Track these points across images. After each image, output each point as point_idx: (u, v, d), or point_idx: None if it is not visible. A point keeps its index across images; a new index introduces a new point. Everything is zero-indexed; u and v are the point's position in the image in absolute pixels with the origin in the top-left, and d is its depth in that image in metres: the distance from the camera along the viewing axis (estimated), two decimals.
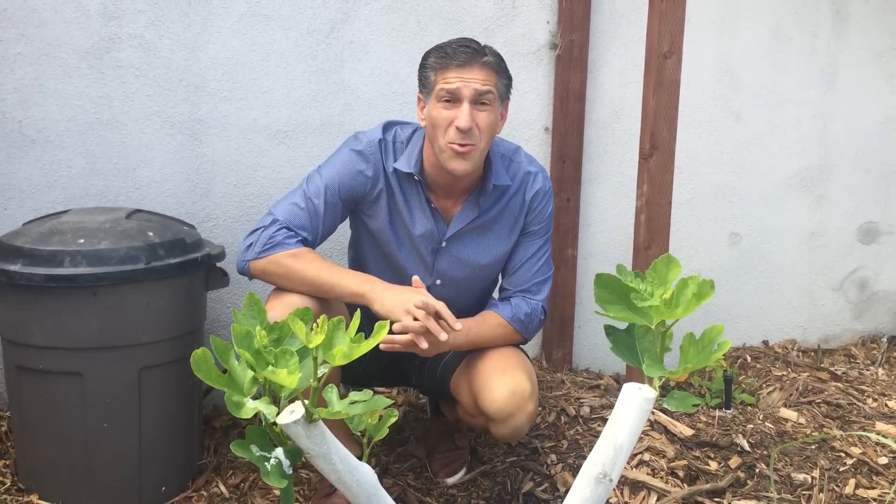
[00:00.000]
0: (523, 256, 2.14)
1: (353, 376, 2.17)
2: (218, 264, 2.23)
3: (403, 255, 2.11)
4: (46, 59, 2.40)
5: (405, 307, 1.87)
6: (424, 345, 1.87)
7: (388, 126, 2.12)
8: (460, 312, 2.00)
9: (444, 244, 2.10)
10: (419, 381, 2.31)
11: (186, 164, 2.56)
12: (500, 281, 2.22)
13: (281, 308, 1.87)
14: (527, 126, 2.90)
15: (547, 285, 2.17)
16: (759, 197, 3.28)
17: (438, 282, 2.14)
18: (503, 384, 1.95)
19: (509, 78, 2.02)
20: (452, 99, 1.93)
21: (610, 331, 1.62)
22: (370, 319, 1.65)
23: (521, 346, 2.17)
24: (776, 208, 3.32)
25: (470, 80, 1.92)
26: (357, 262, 2.22)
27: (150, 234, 2.08)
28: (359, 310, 1.50)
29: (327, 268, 1.98)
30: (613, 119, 3.00)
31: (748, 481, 2.28)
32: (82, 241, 2.00)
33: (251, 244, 2.00)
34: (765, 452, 2.43)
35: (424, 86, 2.00)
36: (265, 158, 2.63)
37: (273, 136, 2.63)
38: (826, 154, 3.36)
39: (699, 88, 3.08)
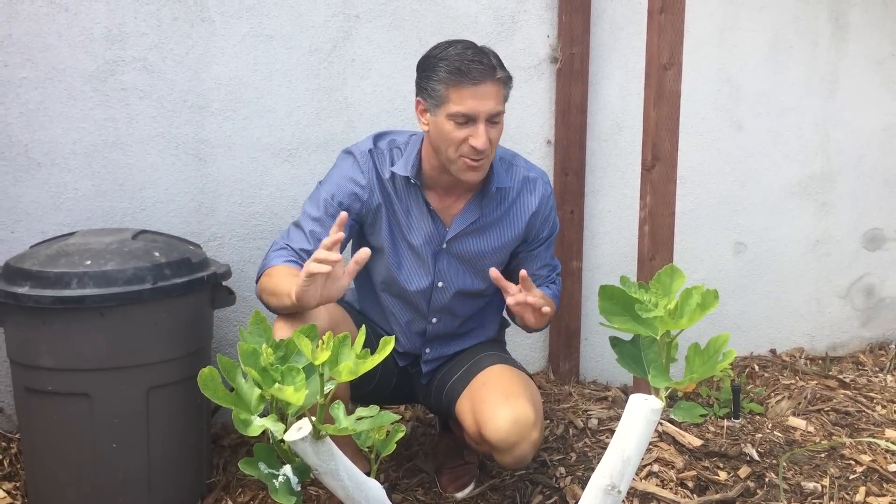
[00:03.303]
0: (535, 266, 2.20)
1: (361, 395, 2.18)
2: (224, 283, 2.24)
3: (402, 273, 2.12)
4: (51, 83, 2.42)
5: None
6: None
7: (379, 136, 2.13)
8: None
9: (444, 245, 2.12)
10: (426, 401, 2.32)
11: (191, 184, 2.57)
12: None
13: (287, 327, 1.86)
14: (529, 139, 2.91)
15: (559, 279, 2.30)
16: (763, 206, 3.28)
17: (440, 284, 2.14)
18: (506, 413, 1.93)
19: (511, 79, 2.03)
20: (467, 121, 1.92)
21: (615, 342, 1.62)
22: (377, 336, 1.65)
23: (526, 372, 2.19)
24: (780, 217, 3.32)
25: (485, 100, 1.91)
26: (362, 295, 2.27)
27: (157, 254, 2.09)
28: (364, 326, 1.51)
29: (282, 277, 1.88)
30: (615, 131, 3.01)
31: (758, 491, 2.27)
32: (89, 262, 2.01)
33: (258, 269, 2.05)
34: (774, 461, 2.42)
35: (430, 95, 1.94)
36: (269, 177, 2.64)
37: (277, 155, 2.64)
38: (829, 162, 3.36)
39: (700, 99, 3.09)
